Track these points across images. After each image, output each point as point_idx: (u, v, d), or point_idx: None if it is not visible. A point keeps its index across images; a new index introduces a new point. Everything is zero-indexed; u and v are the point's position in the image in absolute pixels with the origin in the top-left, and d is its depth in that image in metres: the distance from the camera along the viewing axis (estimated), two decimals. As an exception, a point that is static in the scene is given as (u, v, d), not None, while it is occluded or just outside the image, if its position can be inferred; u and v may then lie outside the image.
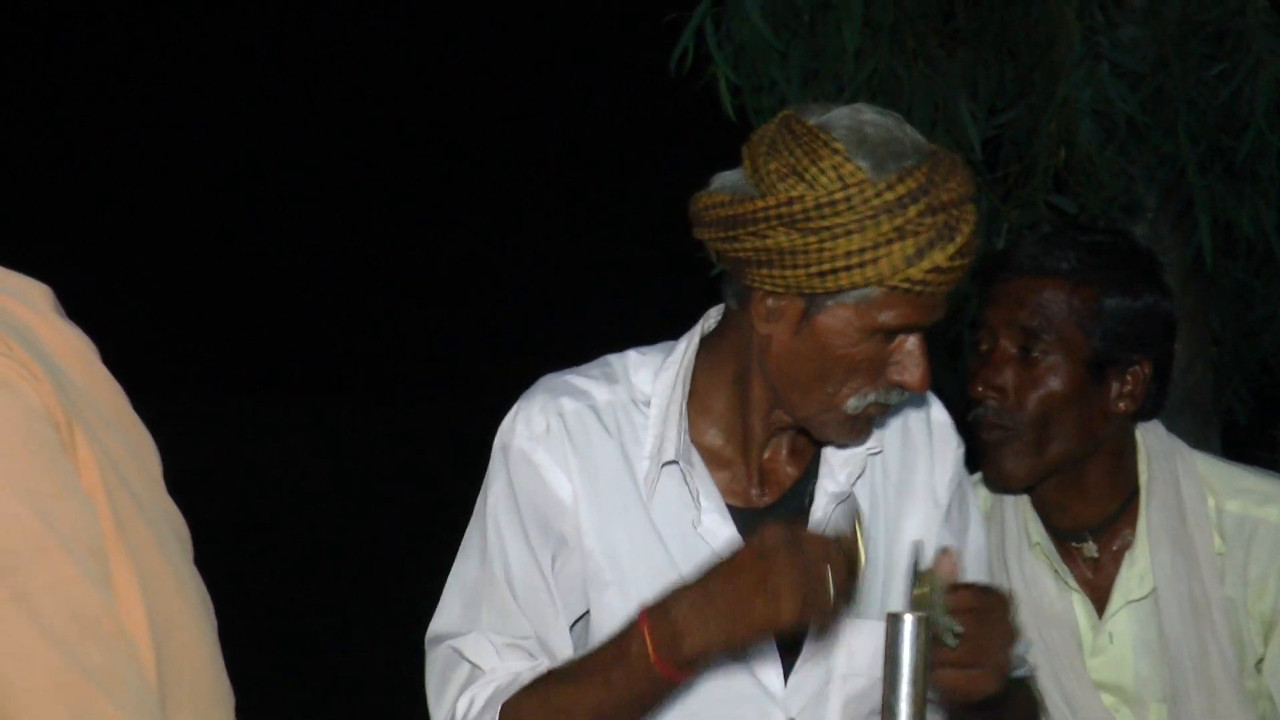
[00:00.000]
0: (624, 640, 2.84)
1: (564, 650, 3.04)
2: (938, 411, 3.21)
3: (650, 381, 3.06)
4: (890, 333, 2.90)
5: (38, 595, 2.48)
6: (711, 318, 3.12)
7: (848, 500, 3.02)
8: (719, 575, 2.79)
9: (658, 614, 2.82)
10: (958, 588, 2.77)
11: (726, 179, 2.93)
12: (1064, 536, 3.62)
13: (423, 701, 3.16)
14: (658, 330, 3.24)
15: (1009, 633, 2.84)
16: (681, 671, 2.84)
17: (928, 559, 2.78)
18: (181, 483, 2.78)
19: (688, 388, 3.06)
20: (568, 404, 3.05)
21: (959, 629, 2.71)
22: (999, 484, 3.54)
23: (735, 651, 2.95)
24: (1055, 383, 3.46)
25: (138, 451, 2.75)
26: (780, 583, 2.74)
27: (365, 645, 7.37)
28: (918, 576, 2.73)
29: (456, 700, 3.01)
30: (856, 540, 2.83)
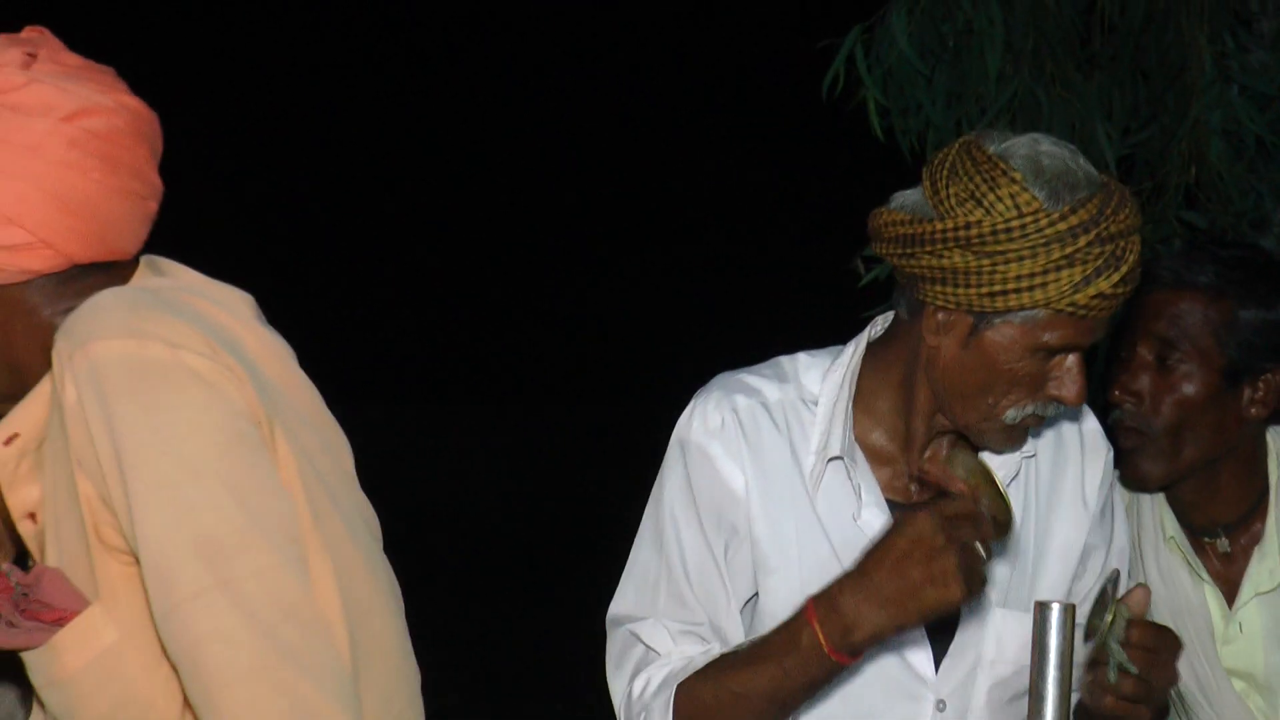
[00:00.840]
0: (794, 630, 2.84)
1: (735, 633, 3.04)
2: (1090, 420, 3.20)
3: (819, 382, 3.07)
4: (1052, 351, 2.90)
5: (242, 582, 2.48)
6: (878, 324, 3.11)
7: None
8: (882, 566, 2.78)
9: (825, 606, 2.81)
10: (1139, 624, 2.77)
11: (906, 198, 2.94)
12: (1198, 532, 3.59)
13: (596, 684, 3.17)
14: (803, 336, 3.24)
15: (1173, 676, 2.84)
16: (850, 656, 2.84)
17: (1122, 588, 2.78)
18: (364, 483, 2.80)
19: (854, 389, 3.06)
20: (741, 401, 3.06)
21: (1132, 668, 2.73)
22: (1135, 485, 3.52)
23: (899, 637, 2.95)
24: (1190, 390, 3.43)
25: (332, 448, 2.75)
26: (946, 567, 2.74)
27: (531, 632, 7.37)
28: (1108, 604, 2.72)
29: (632, 680, 3.02)
30: (1000, 498, 2.83)
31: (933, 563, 2.74)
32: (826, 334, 3.22)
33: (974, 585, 2.77)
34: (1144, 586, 2.86)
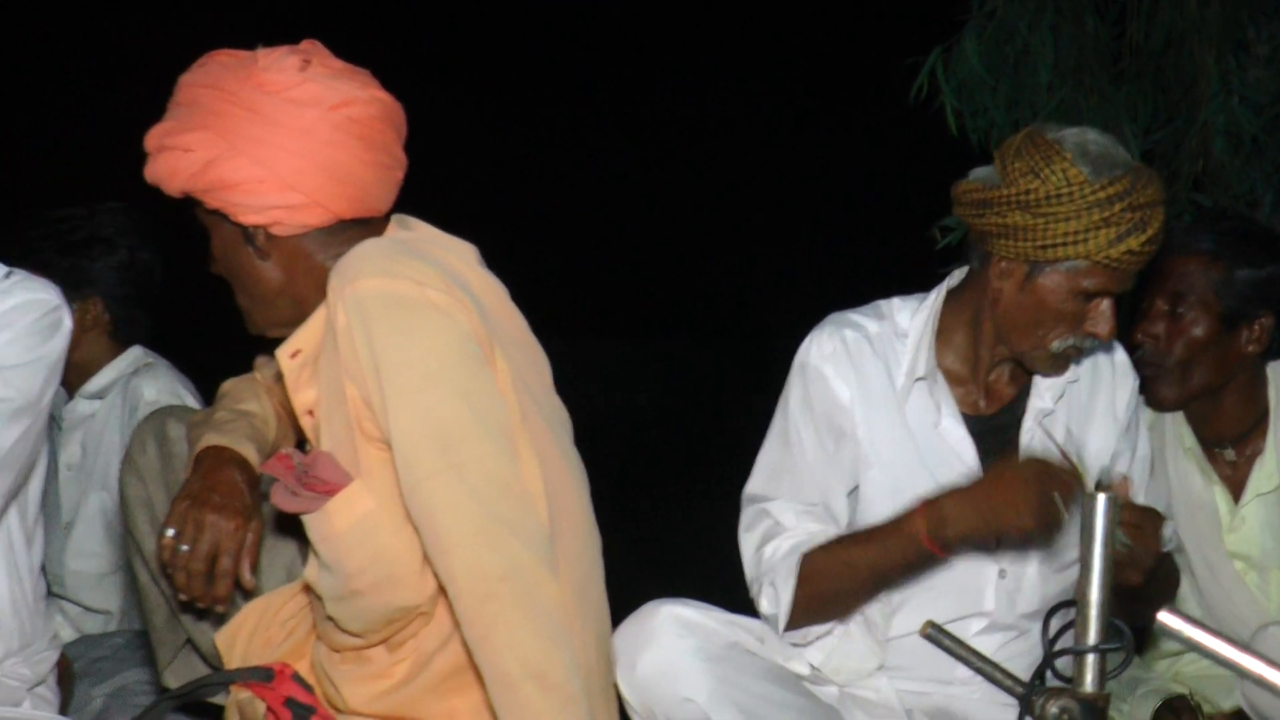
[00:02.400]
0: (903, 519, 2.85)
1: (842, 514, 3.03)
2: (1120, 353, 3.18)
3: (908, 319, 3.06)
4: (1090, 295, 2.89)
5: (467, 466, 2.48)
6: (955, 277, 3.09)
7: (1070, 441, 2.99)
8: (983, 487, 2.81)
9: (932, 506, 2.83)
10: (1128, 506, 2.74)
11: (979, 173, 2.96)
12: (1209, 444, 3.57)
13: (733, 561, 3.15)
14: (892, 287, 3.23)
15: (1157, 544, 2.81)
16: (942, 548, 2.84)
17: (1115, 477, 2.73)
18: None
19: (936, 325, 3.04)
20: (849, 333, 3.04)
21: (1125, 540, 2.68)
22: (1155, 406, 3.51)
23: (983, 544, 2.96)
24: (1197, 332, 3.43)
25: (536, 364, 2.75)
26: (1027, 502, 2.74)
27: (686, 528, 7.36)
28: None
29: (762, 548, 3.00)
30: (1079, 471, 2.80)
31: (1017, 493, 2.75)
32: (910, 285, 3.19)
33: (1042, 523, 2.77)
34: (1127, 477, 2.88)
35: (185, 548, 2.64)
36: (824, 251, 8.92)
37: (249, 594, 2.85)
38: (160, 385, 4.14)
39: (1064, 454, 2.85)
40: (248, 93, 2.59)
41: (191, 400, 4.15)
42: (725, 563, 3.34)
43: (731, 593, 3.09)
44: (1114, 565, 2.60)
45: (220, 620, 2.86)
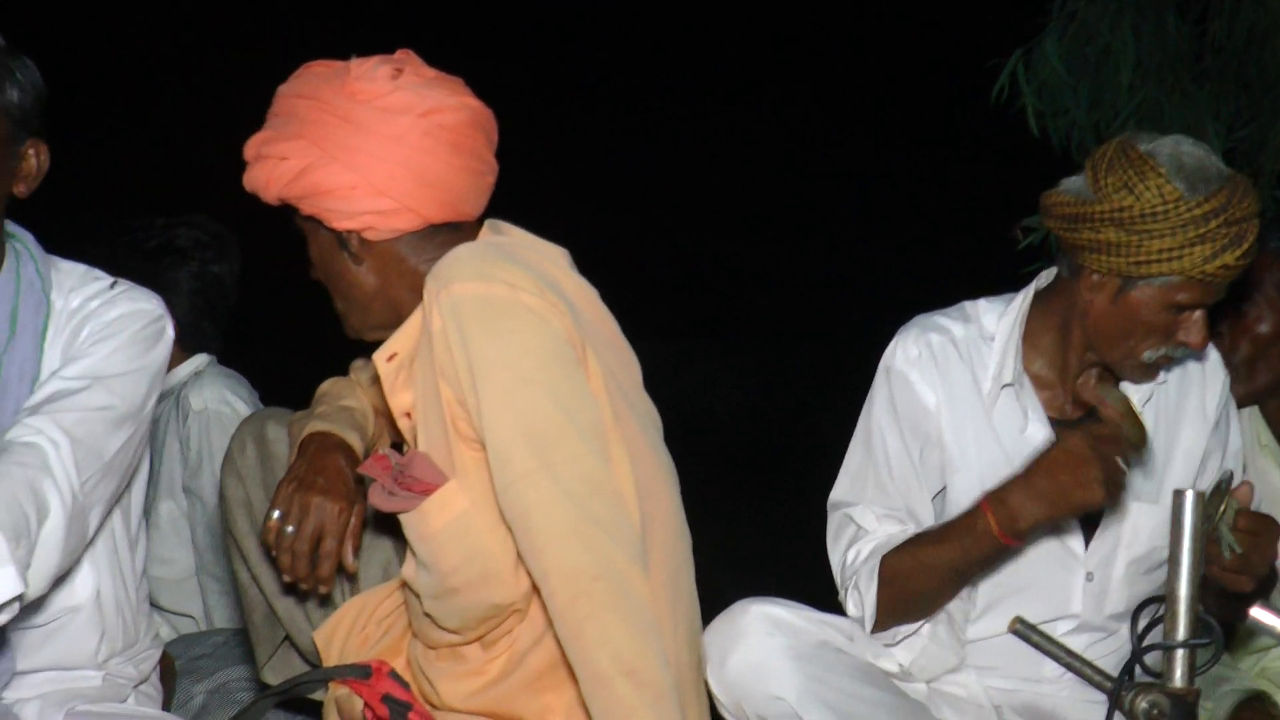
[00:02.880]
0: (971, 517, 2.84)
1: (927, 517, 3.02)
2: (1210, 351, 3.14)
3: (995, 322, 3.04)
4: (1183, 308, 2.87)
5: (560, 466, 2.52)
6: (1043, 278, 3.08)
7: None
8: (1041, 471, 2.77)
9: (996, 500, 2.81)
10: (1244, 513, 2.72)
11: (1070, 184, 2.92)
12: None
13: (818, 561, 3.17)
14: (976, 287, 3.21)
15: (1271, 555, 2.78)
16: (1016, 540, 2.82)
17: (1235, 482, 2.74)
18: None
19: (1023, 329, 3.02)
20: (934, 338, 3.04)
21: (1238, 548, 2.68)
22: None
23: (1054, 526, 2.95)
24: (1262, 329, 3.42)
25: (627, 365, 2.78)
26: (1091, 474, 2.72)
27: (772, 528, 7.36)
28: (1222, 496, 2.67)
29: (846, 551, 3.01)
30: (1137, 422, 2.79)
31: (1080, 470, 2.73)
32: (993, 286, 3.18)
33: (1113, 491, 2.76)
34: (1249, 483, 2.82)
35: (291, 529, 2.71)
36: (907, 252, 8.89)
37: (352, 578, 2.91)
38: (208, 394, 4.21)
39: (1107, 407, 2.83)
40: (341, 101, 2.66)
41: (243, 407, 4.21)
42: (810, 563, 3.36)
43: (816, 593, 3.10)
44: (1225, 571, 2.62)
45: (325, 603, 2.92)
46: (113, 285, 2.80)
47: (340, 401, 2.98)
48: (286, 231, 2.83)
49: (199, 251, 4.24)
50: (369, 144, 2.64)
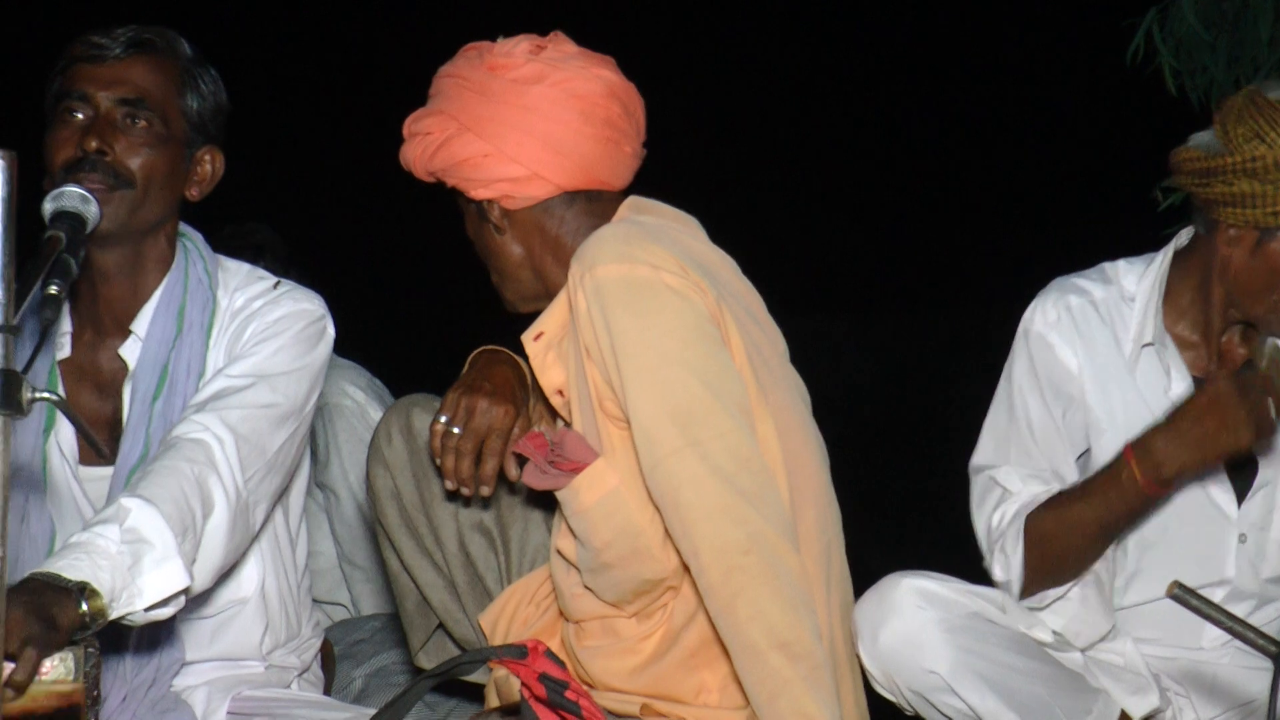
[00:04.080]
0: (1115, 469, 2.83)
1: (1072, 478, 3.00)
2: None
3: (1135, 283, 3.02)
4: None
5: (708, 442, 2.55)
6: (1182, 237, 3.04)
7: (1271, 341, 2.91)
8: (1186, 417, 2.77)
9: (1140, 449, 2.80)
10: None
11: (1200, 139, 2.89)
12: None
13: (961, 534, 3.15)
14: (1115, 248, 3.17)
15: None
16: (1162, 488, 2.81)
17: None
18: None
19: (1164, 289, 2.99)
20: (1074, 300, 3.02)
21: None
22: None
23: (1202, 474, 2.92)
24: None
25: (771, 338, 2.81)
26: (1237, 417, 2.71)
27: (913, 501, 7.32)
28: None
29: (992, 514, 3.00)
30: None
31: (1226, 413, 2.72)
32: (1132, 247, 3.14)
33: (1262, 435, 2.75)
34: None
35: (457, 430, 2.76)
36: (1044, 216, 8.77)
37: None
38: (326, 387, 4.26)
39: (1258, 358, 2.80)
40: (479, 76, 2.76)
41: (362, 397, 4.26)
42: (953, 535, 3.34)
43: (961, 565, 3.09)
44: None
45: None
46: (276, 285, 2.89)
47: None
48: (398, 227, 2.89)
49: (270, 249, 4.33)
50: (500, 113, 2.73)
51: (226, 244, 4.31)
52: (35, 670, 2.14)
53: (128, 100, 2.74)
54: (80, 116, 2.74)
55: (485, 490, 2.83)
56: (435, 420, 2.81)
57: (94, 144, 2.69)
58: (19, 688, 2.17)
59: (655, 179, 2.93)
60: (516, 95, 2.73)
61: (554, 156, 2.73)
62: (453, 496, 2.92)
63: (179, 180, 2.81)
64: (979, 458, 3.08)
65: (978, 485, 3.07)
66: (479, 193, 2.78)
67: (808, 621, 2.55)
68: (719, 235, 2.87)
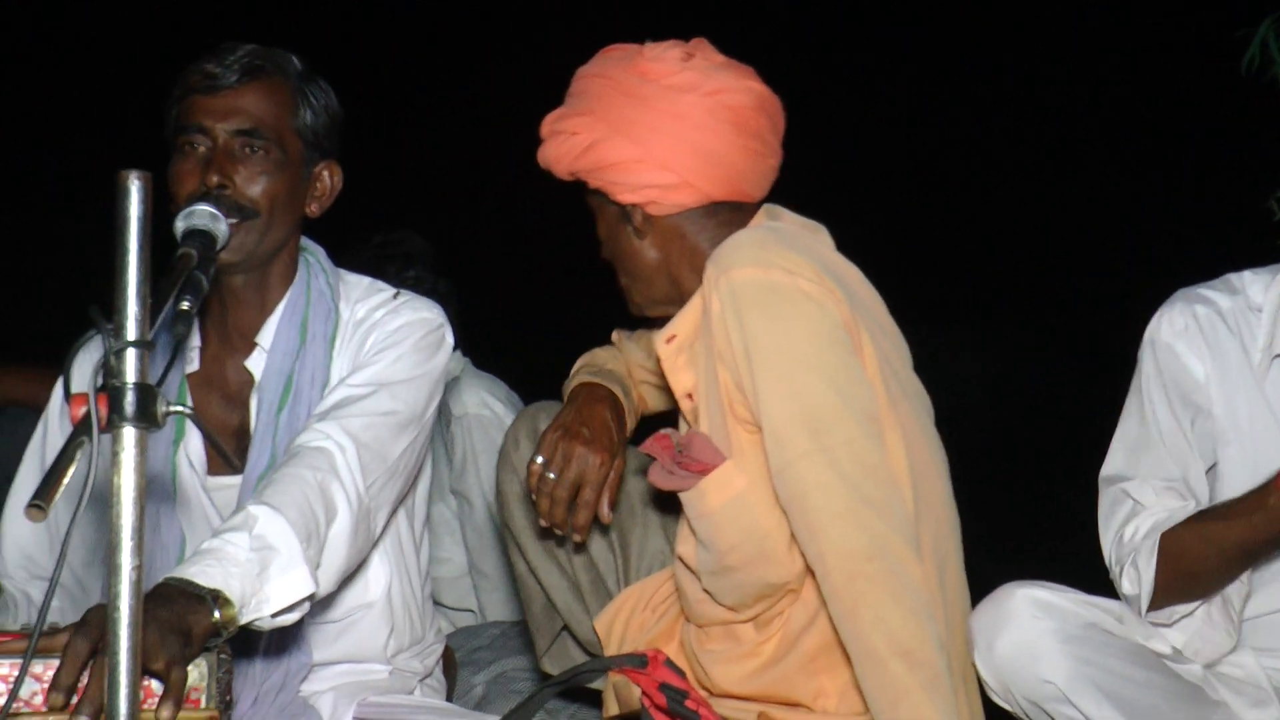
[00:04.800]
0: (1264, 493, 2.71)
1: (1203, 490, 2.94)
2: None
3: (1262, 293, 2.96)
4: None
5: (836, 449, 2.56)
6: None
7: None
8: None
9: None
10: None
11: None
12: None
13: (1080, 544, 3.12)
14: (1230, 261, 3.13)
15: None
16: None
17: None
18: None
19: None
20: (1200, 309, 2.97)
21: None
22: None
23: None
24: None
25: (899, 348, 2.82)
26: None
27: (1028, 512, 7.24)
28: None
29: (1123, 527, 2.95)
30: None
31: None
32: (1249, 258, 3.10)
33: None
34: None
35: (552, 475, 2.80)
36: (1159, 227, 8.67)
37: (626, 558, 2.98)
38: (467, 398, 4.34)
39: None
40: (631, 80, 2.79)
41: (501, 408, 4.30)
42: (1072, 545, 3.32)
43: (1079, 575, 3.06)
44: None
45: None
46: (395, 295, 2.94)
47: (603, 365, 3.06)
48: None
49: (389, 265, 4.37)
50: (653, 119, 2.77)
51: (378, 253, 4.40)
52: (183, 699, 2.16)
53: (244, 131, 2.79)
54: (200, 149, 2.79)
55: (578, 538, 2.88)
56: (532, 460, 2.86)
57: (214, 179, 2.75)
58: None
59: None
60: (669, 102, 2.77)
61: (705, 165, 2.77)
62: (547, 533, 2.96)
63: (299, 200, 2.88)
64: (1109, 469, 3.03)
65: (1107, 497, 3.02)
66: (625, 196, 2.81)
67: (929, 630, 2.55)
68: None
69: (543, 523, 2.88)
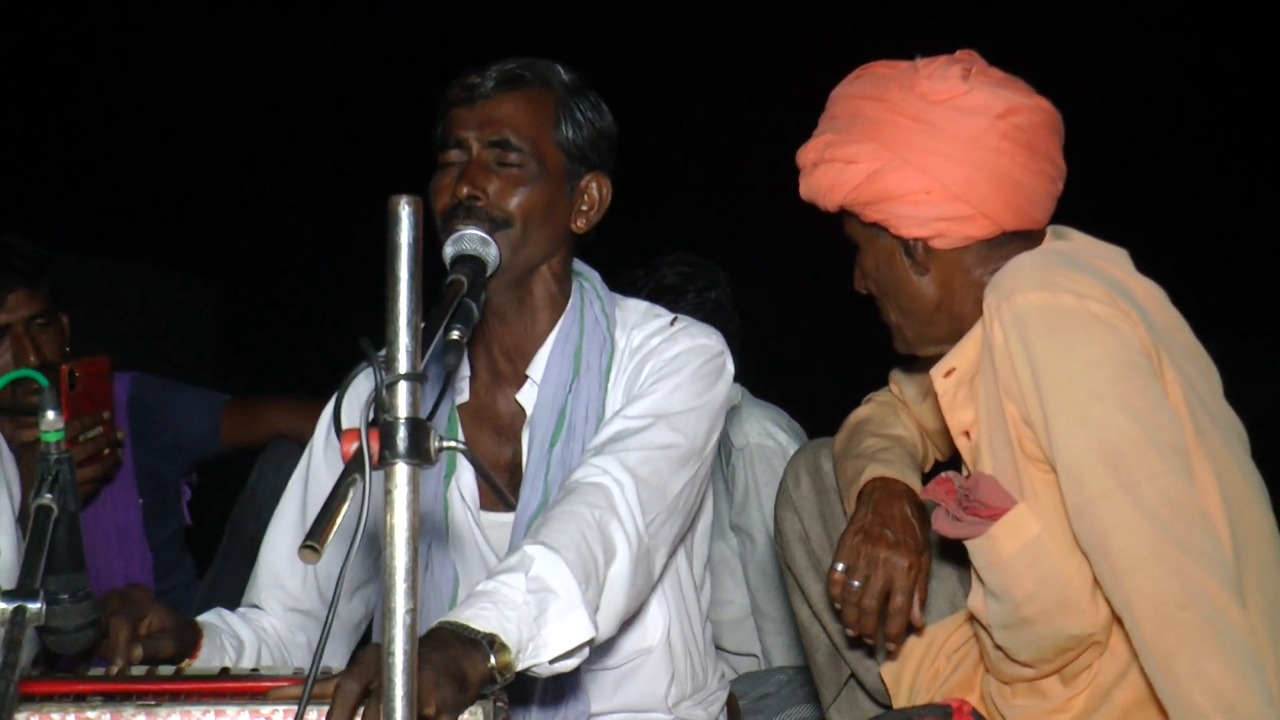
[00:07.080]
0: None
1: None
2: None
3: None
4: None
5: (1139, 485, 2.38)
6: None
7: None
8: None
9: None
10: None
11: None
12: None
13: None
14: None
15: None
16: None
17: None
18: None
19: None
20: None
21: None
22: None
23: None
24: None
25: (1206, 373, 2.62)
26: None
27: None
28: None
29: None
30: None
31: None
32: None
33: None
34: None
35: (857, 584, 2.62)
36: None
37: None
38: (749, 428, 4.19)
39: None
40: (912, 102, 2.61)
41: (785, 438, 4.13)
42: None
43: None
44: None
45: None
46: (673, 322, 2.80)
47: (887, 430, 2.87)
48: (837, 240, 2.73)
49: (690, 284, 4.22)
50: (944, 146, 2.59)
51: (681, 270, 4.29)
52: None
53: (496, 141, 2.73)
54: (456, 162, 2.74)
55: (891, 648, 2.70)
56: (833, 568, 2.69)
57: (465, 190, 2.69)
58: None
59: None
60: (961, 126, 2.58)
61: (1001, 194, 2.59)
62: (855, 643, 2.77)
63: (561, 214, 2.77)
64: None
65: None
66: (910, 231, 2.64)
67: (1255, 683, 2.34)
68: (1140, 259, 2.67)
69: (850, 633, 2.70)
